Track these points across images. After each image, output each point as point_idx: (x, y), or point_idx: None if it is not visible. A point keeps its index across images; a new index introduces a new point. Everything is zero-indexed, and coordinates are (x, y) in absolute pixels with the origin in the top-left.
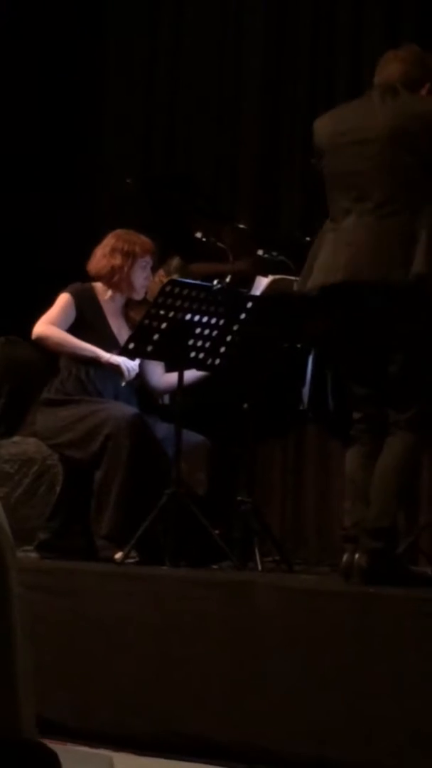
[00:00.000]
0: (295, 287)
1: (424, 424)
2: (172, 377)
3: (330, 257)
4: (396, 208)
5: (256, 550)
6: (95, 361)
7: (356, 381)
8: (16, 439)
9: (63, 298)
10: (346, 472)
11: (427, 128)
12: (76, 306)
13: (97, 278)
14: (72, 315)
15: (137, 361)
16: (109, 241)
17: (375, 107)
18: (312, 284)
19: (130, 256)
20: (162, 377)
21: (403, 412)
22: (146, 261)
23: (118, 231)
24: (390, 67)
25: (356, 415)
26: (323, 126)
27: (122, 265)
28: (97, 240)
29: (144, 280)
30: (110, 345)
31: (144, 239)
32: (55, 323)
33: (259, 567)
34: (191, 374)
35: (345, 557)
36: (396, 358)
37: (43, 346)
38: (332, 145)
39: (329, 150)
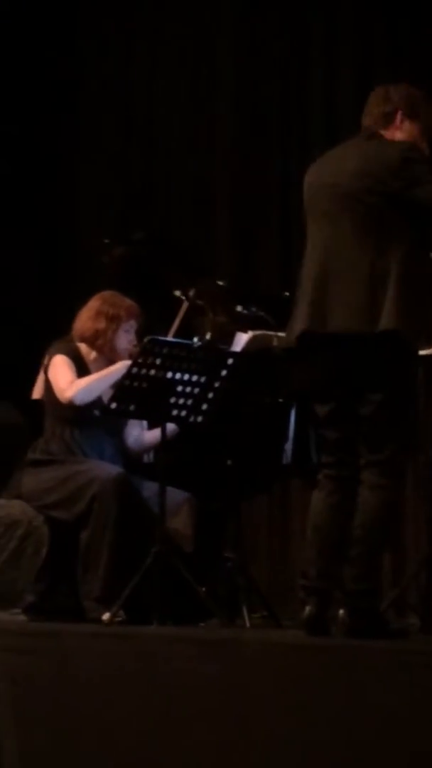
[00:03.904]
0: (276, 342)
1: (398, 468)
2: (149, 438)
3: (300, 306)
4: (364, 247)
5: (243, 607)
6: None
7: (330, 424)
8: (0, 502)
9: (62, 360)
10: (311, 517)
11: (387, 168)
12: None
13: (82, 340)
14: (75, 371)
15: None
16: (94, 304)
17: (352, 152)
18: (291, 336)
19: (114, 320)
20: (138, 437)
21: (377, 453)
22: (130, 325)
23: (104, 293)
24: (366, 119)
25: (326, 459)
26: (309, 174)
27: (106, 329)
28: (76, 300)
29: (127, 344)
30: (95, 405)
31: (129, 303)
32: (75, 380)
33: (247, 623)
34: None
35: (308, 610)
36: (371, 398)
37: (82, 404)
38: (310, 189)
39: (308, 194)
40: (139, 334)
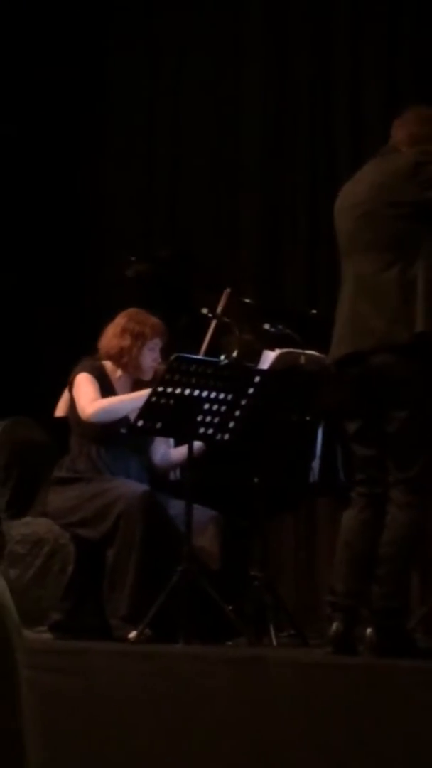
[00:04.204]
0: (303, 360)
1: (427, 485)
2: (176, 455)
3: (337, 328)
4: (390, 261)
5: (270, 625)
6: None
7: (359, 441)
8: (26, 519)
9: (85, 378)
10: (342, 533)
11: (402, 176)
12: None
13: (107, 357)
14: (98, 389)
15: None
16: (120, 321)
17: (370, 170)
18: (329, 360)
19: (139, 337)
20: (165, 455)
21: (405, 470)
22: (155, 343)
23: (130, 311)
24: (397, 134)
25: (359, 476)
26: (337, 199)
27: (131, 346)
28: (102, 318)
29: (152, 362)
30: (121, 423)
31: (155, 321)
32: (97, 399)
33: (274, 642)
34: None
35: (335, 626)
36: (395, 416)
37: (102, 422)
38: (338, 214)
39: (335, 219)
40: (164, 352)
